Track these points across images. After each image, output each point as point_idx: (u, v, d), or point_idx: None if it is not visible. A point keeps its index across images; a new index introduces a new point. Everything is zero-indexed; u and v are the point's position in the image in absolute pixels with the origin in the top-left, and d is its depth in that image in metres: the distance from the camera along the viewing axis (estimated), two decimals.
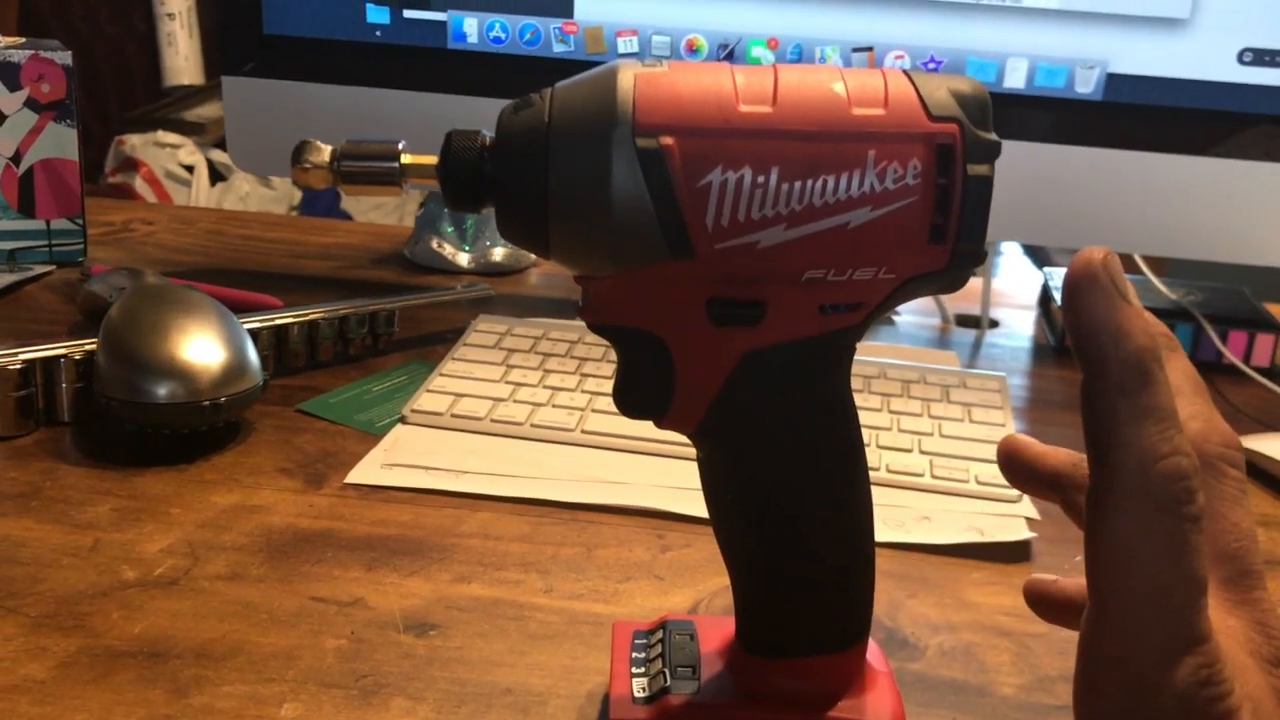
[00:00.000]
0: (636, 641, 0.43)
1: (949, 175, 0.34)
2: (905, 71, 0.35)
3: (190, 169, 2.27)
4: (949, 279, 0.36)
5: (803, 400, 0.37)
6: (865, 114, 0.34)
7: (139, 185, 2.20)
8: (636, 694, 0.40)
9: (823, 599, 0.39)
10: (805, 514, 0.38)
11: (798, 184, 0.34)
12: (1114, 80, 0.77)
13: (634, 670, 0.41)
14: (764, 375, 0.37)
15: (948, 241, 0.35)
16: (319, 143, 0.39)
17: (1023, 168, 0.79)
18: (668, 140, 0.34)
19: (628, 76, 0.34)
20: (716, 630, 0.42)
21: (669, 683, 0.40)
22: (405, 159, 0.38)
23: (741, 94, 0.34)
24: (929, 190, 0.34)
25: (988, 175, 0.35)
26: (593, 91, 0.35)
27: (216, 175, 2.31)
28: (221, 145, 2.35)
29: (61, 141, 0.88)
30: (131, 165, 2.23)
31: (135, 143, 2.26)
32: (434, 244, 0.95)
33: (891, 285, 0.36)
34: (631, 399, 0.38)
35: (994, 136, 0.35)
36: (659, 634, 0.43)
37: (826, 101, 0.34)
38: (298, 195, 2.33)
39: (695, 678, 0.40)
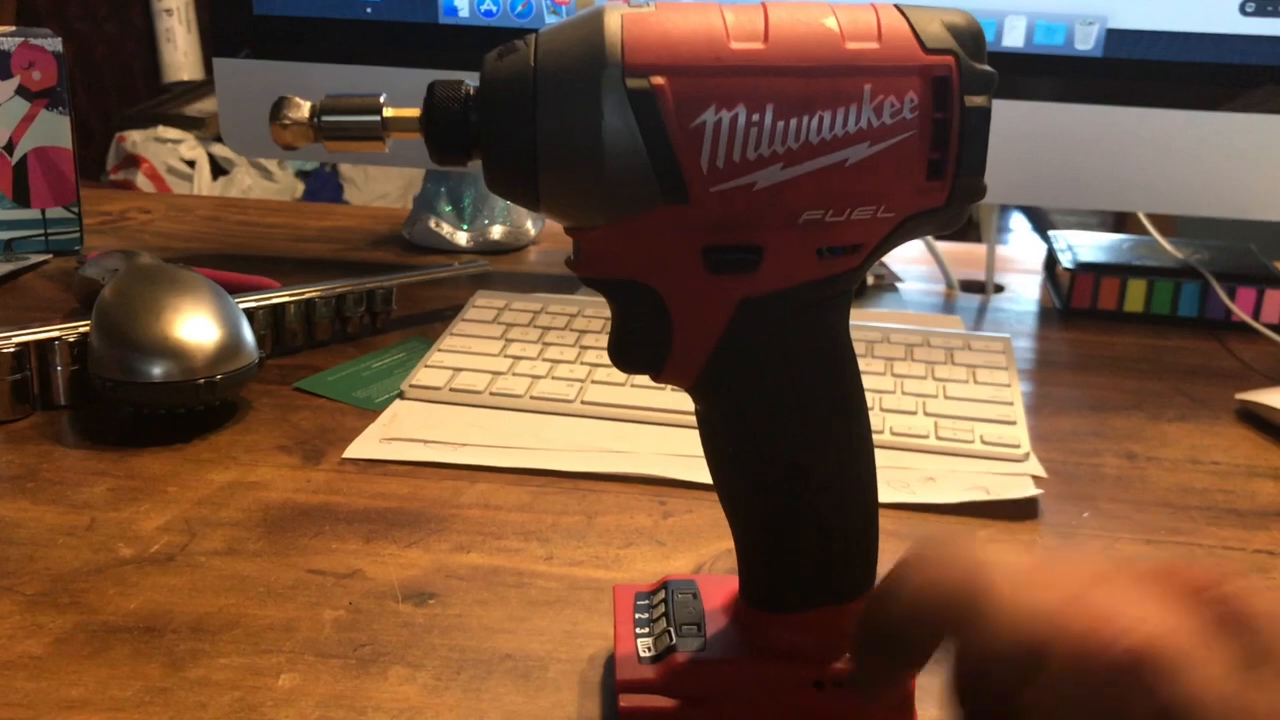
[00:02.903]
0: (639, 603, 0.42)
1: (946, 109, 0.34)
2: (897, 5, 0.35)
3: (192, 164, 2.27)
4: (947, 216, 0.36)
5: (802, 347, 0.37)
6: (859, 48, 0.33)
7: (141, 181, 2.20)
8: (642, 653, 0.39)
9: (825, 550, 0.38)
10: (806, 464, 0.37)
11: (793, 121, 0.33)
12: (1114, 36, 0.76)
13: (638, 630, 0.41)
14: (762, 323, 0.36)
15: (947, 177, 0.34)
16: (298, 98, 0.37)
17: (1024, 128, 0.78)
18: (659, 80, 0.33)
19: (614, 17, 0.34)
20: (719, 588, 0.42)
21: (674, 641, 0.39)
22: (388, 112, 0.37)
23: (732, 31, 0.33)
24: (926, 124, 0.34)
25: (985, 106, 0.34)
26: (579, 34, 0.34)
27: (219, 169, 2.31)
28: (222, 139, 2.35)
29: (54, 129, 0.88)
30: (133, 162, 2.23)
31: (136, 139, 2.26)
32: (432, 223, 0.94)
33: (890, 224, 0.35)
34: (627, 354, 0.37)
35: (989, 68, 0.34)
36: (661, 594, 0.42)
37: (819, 36, 0.33)
38: (300, 187, 2.33)
39: (700, 634, 0.39)
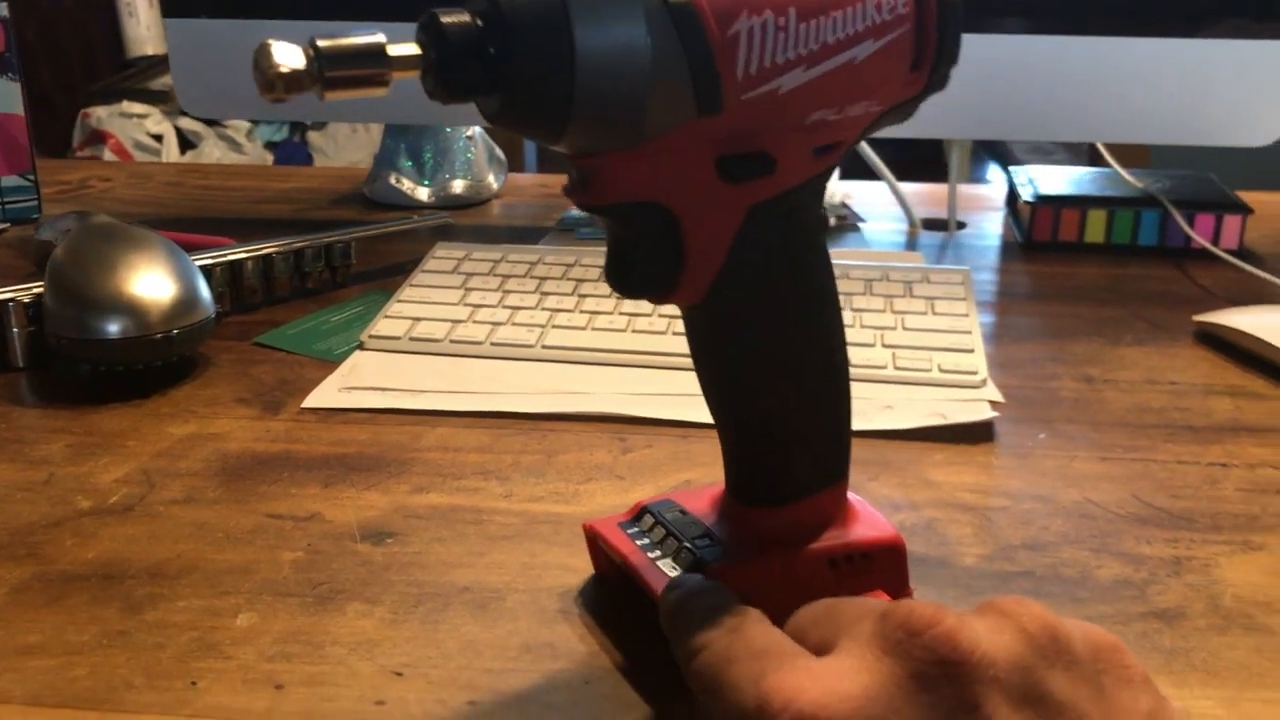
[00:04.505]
0: (629, 530, 0.42)
1: (927, 2, 0.36)
2: None
3: (159, 138, 2.25)
4: (912, 107, 0.38)
5: (800, 245, 0.38)
6: None
7: (107, 157, 2.18)
8: (670, 573, 0.39)
9: (823, 437, 0.40)
10: (805, 358, 0.38)
11: (813, 23, 0.34)
12: None
13: (651, 555, 0.41)
14: (769, 227, 0.36)
15: (924, 68, 0.36)
16: (283, 43, 0.32)
17: (982, 62, 0.78)
18: None
19: None
20: (699, 499, 0.42)
21: (699, 554, 0.39)
22: (391, 51, 0.33)
23: None
24: (914, 18, 0.35)
25: (958, 1, 0.36)
26: None
27: (186, 143, 2.29)
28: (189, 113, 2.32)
29: (5, 96, 0.87)
30: (99, 138, 2.21)
31: (101, 115, 2.24)
32: (392, 180, 0.94)
33: (874, 118, 0.37)
34: (639, 278, 0.37)
35: None
36: (648, 518, 0.42)
37: None
38: (270, 158, 2.31)
39: (718, 543, 0.40)
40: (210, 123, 2.32)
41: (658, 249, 0.36)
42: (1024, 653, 0.28)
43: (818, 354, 0.39)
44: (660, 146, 0.34)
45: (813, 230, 0.38)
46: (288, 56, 0.32)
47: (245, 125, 2.34)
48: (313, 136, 2.40)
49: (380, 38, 0.32)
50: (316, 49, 0.31)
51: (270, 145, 2.35)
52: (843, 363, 0.40)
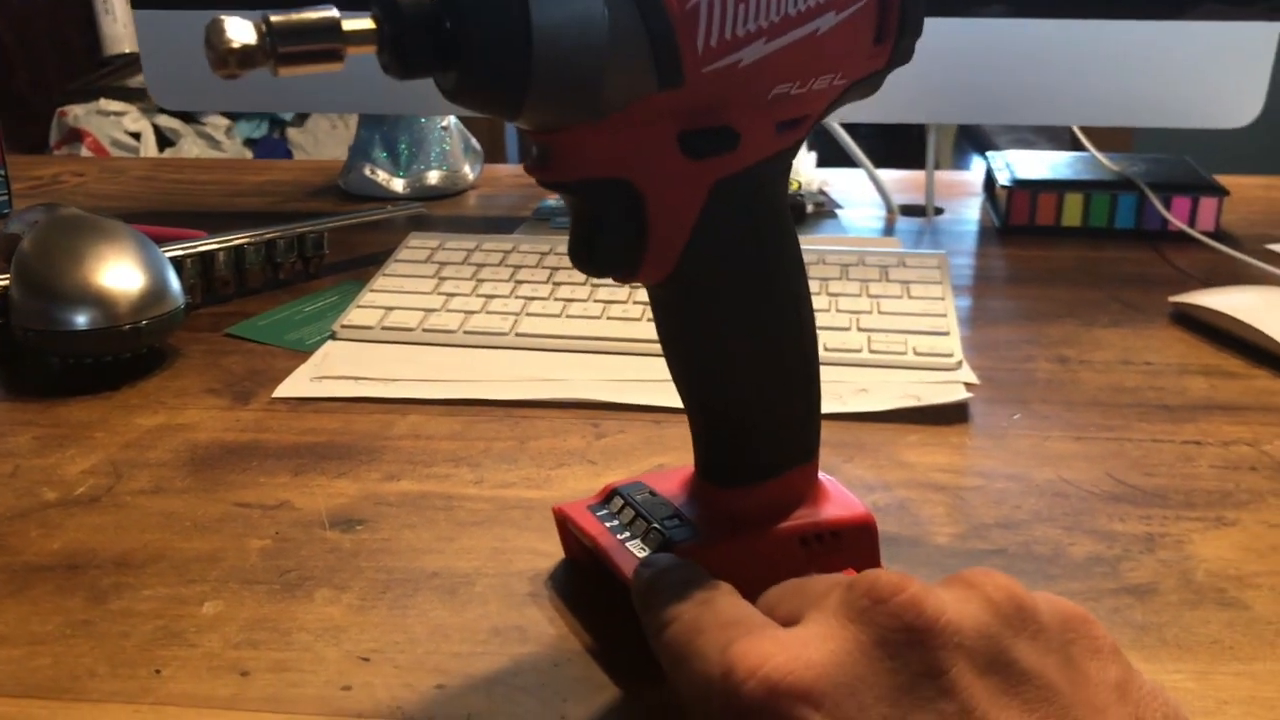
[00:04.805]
0: (598, 513, 0.42)
1: None
2: None
3: (137, 136, 2.23)
4: (877, 81, 0.37)
5: (765, 224, 0.37)
6: None
7: (85, 155, 2.16)
8: (639, 555, 0.39)
9: (792, 415, 0.39)
10: (772, 336, 0.38)
11: None
12: None
13: (620, 536, 0.40)
14: (734, 203, 0.36)
15: (887, 41, 0.36)
16: (235, 18, 0.31)
17: (960, 45, 0.77)
18: None
19: None
20: (669, 480, 0.42)
21: (667, 534, 0.39)
22: (346, 25, 0.32)
23: None
24: None
25: None
26: None
27: (165, 141, 2.27)
28: (167, 110, 2.31)
29: None
30: (76, 136, 2.19)
31: (78, 113, 2.22)
32: (367, 171, 0.93)
33: (838, 92, 0.37)
34: (602, 256, 0.36)
35: None
36: (618, 500, 0.42)
37: None
38: (249, 155, 2.30)
39: (686, 524, 0.39)
40: (189, 120, 2.30)
41: (621, 226, 0.35)
42: (989, 621, 0.27)
43: (785, 331, 0.39)
44: (621, 121, 0.34)
45: (778, 207, 0.38)
46: (240, 32, 0.31)
47: (224, 122, 2.33)
48: (292, 133, 2.39)
49: (333, 12, 0.32)
50: (269, 24, 0.31)
51: (249, 142, 2.33)
52: (811, 341, 0.40)
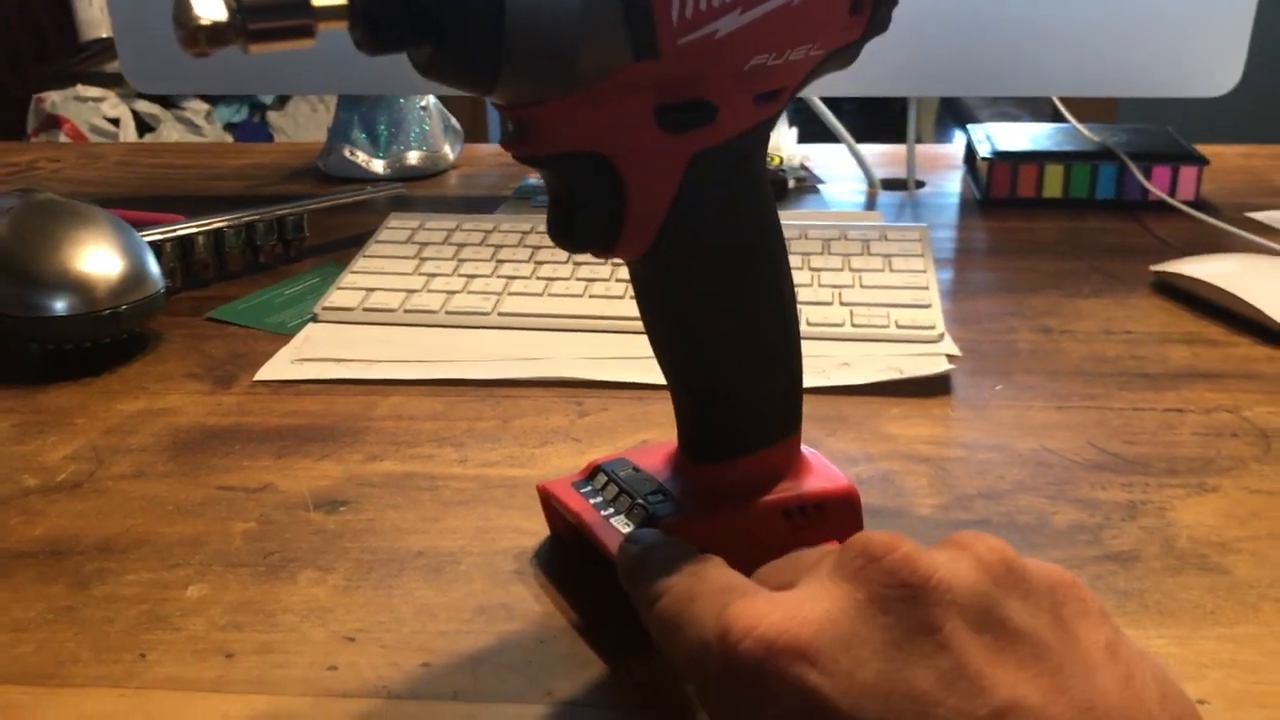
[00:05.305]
0: (582, 490, 0.42)
1: None
2: None
3: (116, 122, 2.22)
4: (854, 52, 0.37)
5: (744, 197, 0.37)
6: None
7: (64, 142, 2.15)
8: (624, 530, 0.39)
9: (774, 389, 0.39)
10: (753, 310, 0.38)
11: None
12: None
13: (604, 513, 0.40)
14: (713, 177, 0.36)
15: (864, 10, 0.36)
16: None
17: (940, 16, 0.77)
18: None
19: None
20: (652, 456, 0.42)
21: (652, 510, 0.39)
22: (317, 1, 0.31)
23: None
24: None
25: None
26: None
27: (144, 127, 2.26)
28: (146, 95, 2.29)
29: None
30: (54, 123, 2.17)
31: (55, 99, 2.20)
32: (346, 152, 0.92)
33: (815, 63, 0.36)
34: (580, 230, 0.36)
35: None
36: (601, 477, 0.42)
37: None
38: (229, 139, 2.29)
39: (670, 499, 0.39)
40: (168, 105, 2.29)
41: (598, 200, 0.35)
42: (981, 580, 0.27)
43: (766, 305, 0.39)
44: (596, 94, 0.33)
45: (758, 180, 0.38)
46: (209, 9, 0.30)
47: (204, 107, 2.31)
48: (273, 116, 2.37)
49: None
50: (239, 0, 0.30)
51: (230, 126, 2.32)
52: (792, 314, 0.39)
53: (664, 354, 0.40)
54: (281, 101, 2.40)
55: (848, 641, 0.27)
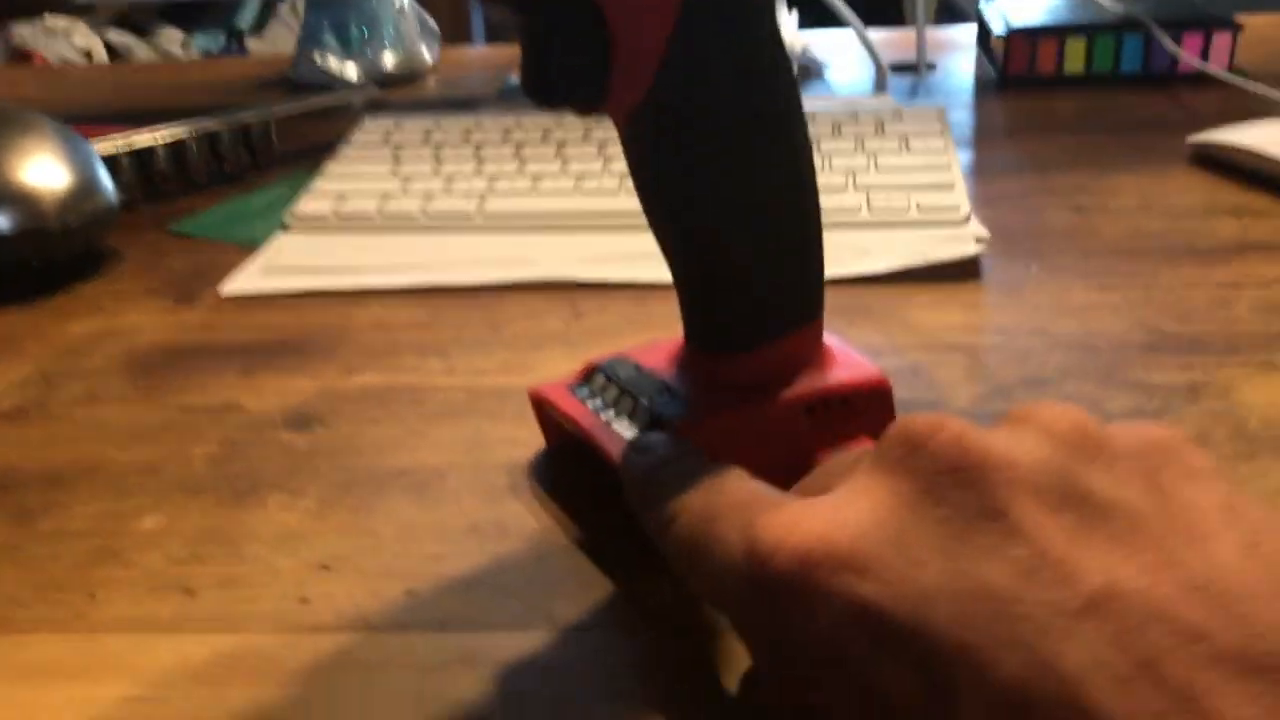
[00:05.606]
0: (579, 393, 0.37)
1: None
2: None
3: (89, 55, 2.14)
4: None
5: (751, 56, 0.32)
6: None
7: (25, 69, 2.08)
8: (628, 435, 0.34)
9: (791, 267, 0.34)
10: (764, 175, 0.33)
11: None
12: None
13: (604, 416, 0.36)
14: (709, 26, 0.31)
15: None
16: None
17: None
18: None
19: None
20: (655, 353, 0.37)
21: (658, 410, 0.34)
22: None
23: None
24: None
25: None
26: None
27: (117, 57, 2.18)
28: (118, 23, 2.22)
29: None
30: (24, 57, 2.10)
31: (24, 33, 2.12)
32: (317, 58, 0.87)
33: None
34: (560, 77, 0.31)
35: None
36: (599, 378, 0.37)
37: None
38: None
39: (677, 397, 0.35)
40: (141, 34, 2.21)
41: (580, 42, 0.30)
42: (1051, 453, 0.23)
43: (778, 169, 0.33)
44: None
45: (770, 42, 0.32)
46: None
47: (179, 35, 2.23)
48: (251, 43, 2.29)
49: None
50: None
51: (208, 55, 2.24)
52: (810, 182, 0.34)
53: (665, 229, 0.34)
54: (259, 26, 2.32)
55: (899, 542, 0.22)
